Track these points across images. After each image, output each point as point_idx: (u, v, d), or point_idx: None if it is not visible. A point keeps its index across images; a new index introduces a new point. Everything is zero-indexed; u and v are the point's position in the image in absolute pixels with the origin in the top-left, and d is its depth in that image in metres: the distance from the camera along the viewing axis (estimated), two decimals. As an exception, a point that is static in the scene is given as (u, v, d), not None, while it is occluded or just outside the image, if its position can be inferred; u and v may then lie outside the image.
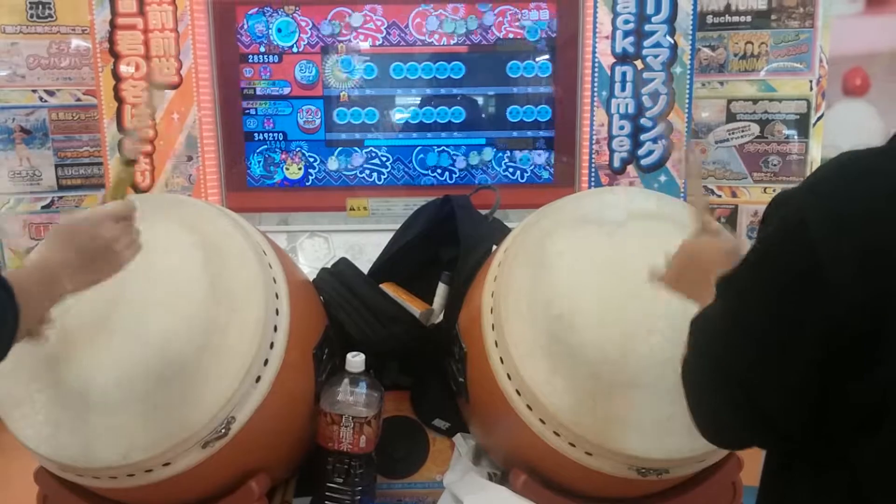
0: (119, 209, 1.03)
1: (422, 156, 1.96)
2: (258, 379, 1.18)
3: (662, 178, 1.86)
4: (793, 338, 0.68)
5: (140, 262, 1.19)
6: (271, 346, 1.21)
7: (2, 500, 2.29)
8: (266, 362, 1.20)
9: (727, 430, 0.80)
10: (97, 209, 1.03)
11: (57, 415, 1.13)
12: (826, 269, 0.64)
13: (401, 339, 1.51)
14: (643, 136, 1.85)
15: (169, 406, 1.11)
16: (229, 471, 1.24)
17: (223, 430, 1.15)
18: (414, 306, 1.52)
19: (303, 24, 1.90)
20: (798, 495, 0.76)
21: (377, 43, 1.91)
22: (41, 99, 2.02)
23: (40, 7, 2.00)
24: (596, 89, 1.84)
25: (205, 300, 1.16)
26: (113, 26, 1.79)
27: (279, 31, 1.90)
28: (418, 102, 1.95)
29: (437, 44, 1.92)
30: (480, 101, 1.95)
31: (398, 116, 1.96)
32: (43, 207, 2.04)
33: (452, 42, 1.91)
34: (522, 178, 1.97)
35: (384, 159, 1.96)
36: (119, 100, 1.81)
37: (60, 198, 2.05)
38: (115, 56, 1.80)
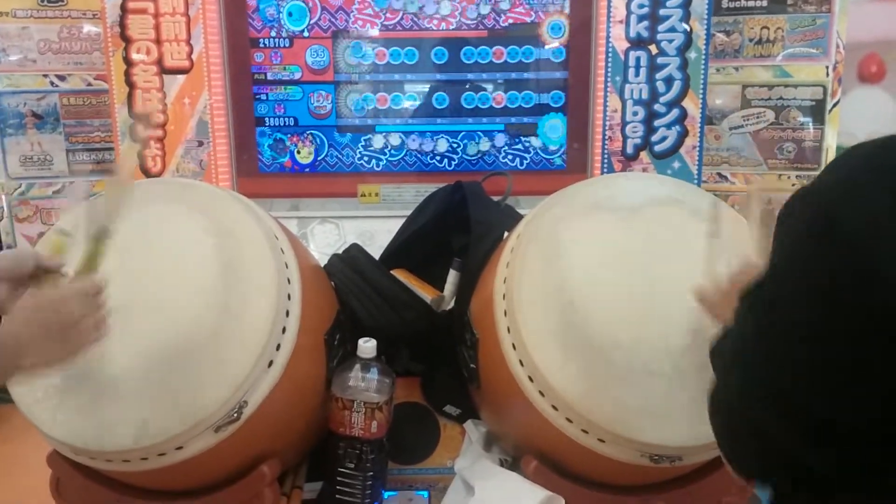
0: (89, 287, 1.00)
1: (433, 141, 1.95)
2: (270, 364, 1.19)
3: (676, 165, 1.84)
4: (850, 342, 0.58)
5: (152, 246, 1.20)
6: (283, 331, 1.21)
7: (15, 483, 2.31)
8: (278, 347, 1.20)
9: (770, 469, 0.70)
10: (67, 286, 1.00)
11: (70, 399, 1.13)
12: (871, 261, 0.57)
13: (412, 325, 1.51)
14: (657, 122, 1.83)
15: (182, 390, 1.11)
16: (241, 455, 1.24)
17: (235, 415, 1.15)
18: (425, 293, 1.52)
19: (314, 7, 1.88)
20: None
21: (389, 27, 1.90)
22: (52, 84, 2.01)
23: (51, -9, 1.99)
24: (609, 74, 1.83)
25: (217, 285, 1.16)
26: (124, 10, 1.78)
27: (290, 14, 1.89)
28: (430, 88, 1.94)
29: (449, 28, 1.90)
30: (491, 86, 1.94)
31: (410, 102, 1.95)
32: (54, 192, 2.04)
33: (465, 27, 1.90)
34: (534, 164, 1.95)
35: (395, 145, 1.95)
36: (130, 84, 1.81)
37: (72, 183, 2.05)
38: (126, 40, 1.79)
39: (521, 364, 1.22)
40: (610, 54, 1.82)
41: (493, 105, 1.94)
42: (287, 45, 1.90)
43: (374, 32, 1.91)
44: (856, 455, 0.60)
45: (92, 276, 1.03)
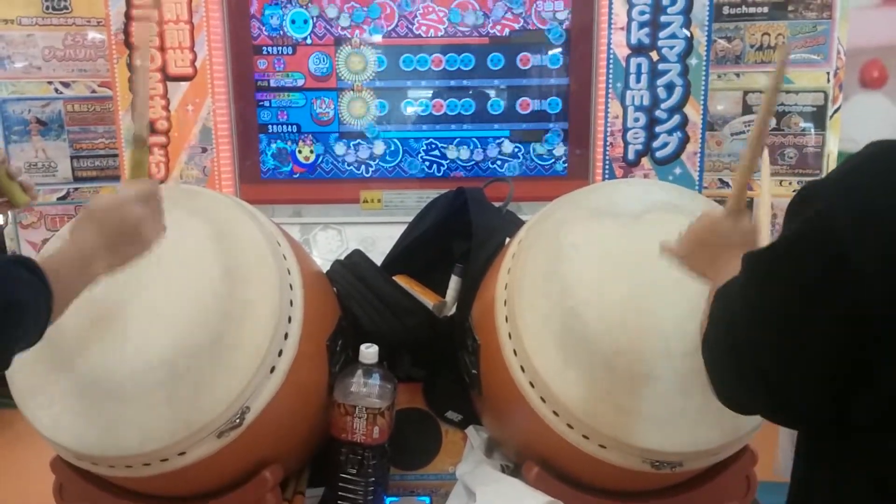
0: (144, 190, 1.03)
1: (435, 148, 1.95)
2: (273, 369, 1.19)
3: (677, 171, 1.85)
4: (817, 326, 0.68)
5: (155, 251, 1.20)
6: (285, 336, 1.22)
7: (19, 488, 2.32)
8: (280, 353, 1.20)
9: (745, 405, 0.81)
10: (123, 192, 1.03)
11: (73, 404, 1.14)
12: (853, 258, 0.64)
13: (414, 331, 1.51)
14: (658, 129, 1.84)
15: (184, 396, 1.12)
16: (243, 461, 1.25)
17: (238, 420, 1.15)
18: (427, 298, 1.53)
19: (316, 15, 1.90)
20: (824, 488, 0.76)
21: (391, 34, 1.91)
22: (57, 91, 2.03)
23: (56, -1, 2.01)
24: (611, 81, 1.83)
25: (220, 291, 1.16)
26: (128, 18, 1.79)
27: (293, 22, 1.90)
28: (431, 94, 1.95)
29: (451, 35, 1.91)
30: (493, 92, 1.95)
31: (411, 108, 1.96)
32: (59, 199, 2.06)
33: (467, 34, 1.91)
34: (536, 170, 1.96)
35: (397, 151, 1.95)
36: (134, 91, 1.82)
37: (76, 189, 2.06)
38: (131, 48, 1.80)
39: (523, 370, 1.22)
40: (611, 61, 1.83)
41: (495, 111, 1.94)
42: (290, 52, 1.91)
43: (377, 39, 1.91)
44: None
45: (143, 179, 1.06)
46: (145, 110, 1.11)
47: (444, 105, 1.94)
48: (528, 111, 1.94)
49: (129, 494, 1.27)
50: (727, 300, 0.81)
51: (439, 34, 1.91)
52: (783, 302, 0.71)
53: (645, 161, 1.86)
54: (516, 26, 1.90)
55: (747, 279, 0.77)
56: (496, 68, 1.92)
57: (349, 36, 1.91)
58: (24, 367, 1.17)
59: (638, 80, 1.83)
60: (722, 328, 0.80)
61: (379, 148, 1.95)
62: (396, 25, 1.90)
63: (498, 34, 1.91)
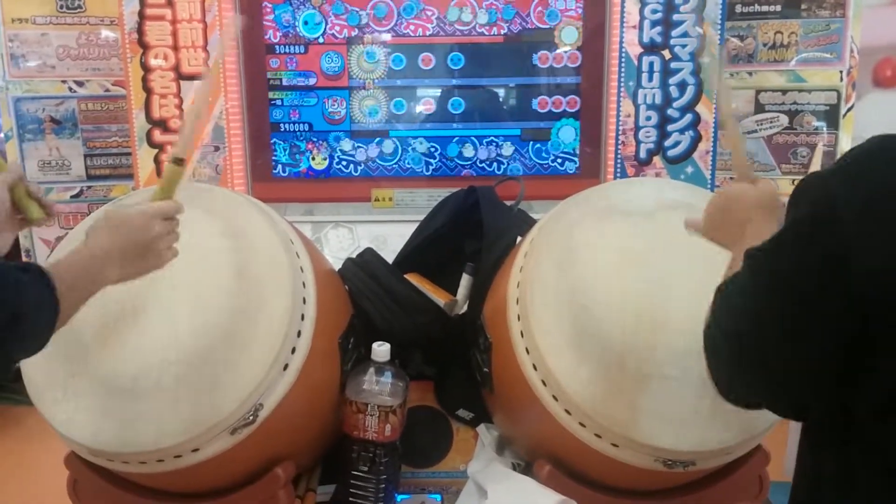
0: (169, 209, 1.05)
1: (447, 146, 1.96)
2: (286, 367, 1.19)
3: (689, 170, 1.84)
4: (818, 316, 0.68)
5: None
6: (298, 334, 1.22)
7: (33, 484, 2.33)
8: (293, 350, 1.21)
9: (746, 398, 0.82)
10: (149, 204, 1.05)
11: (89, 401, 1.14)
12: (854, 248, 0.65)
13: (425, 329, 1.51)
14: (670, 127, 1.83)
15: (198, 393, 1.12)
16: (256, 457, 1.25)
17: (251, 417, 1.16)
18: (438, 297, 1.53)
19: (328, 14, 1.90)
20: (831, 479, 0.76)
21: (403, 33, 1.91)
22: (70, 89, 2.04)
23: (70, -2, 2.02)
24: (623, 79, 1.83)
25: (233, 288, 1.17)
26: (142, 17, 1.81)
27: (305, 22, 1.90)
28: (443, 93, 1.95)
29: (462, 34, 1.91)
30: (505, 91, 1.95)
31: (423, 107, 1.96)
32: (72, 197, 2.07)
33: (478, 32, 1.91)
34: (547, 169, 1.96)
35: (409, 150, 1.96)
36: (147, 90, 1.83)
37: (89, 187, 2.08)
38: (144, 47, 1.81)
39: (535, 368, 1.22)
40: (623, 59, 1.82)
41: (506, 110, 1.94)
42: (302, 51, 1.92)
43: (388, 38, 1.92)
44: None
45: (169, 200, 1.08)
46: (192, 137, 1.11)
47: (456, 104, 1.94)
48: (539, 110, 1.94)
49: (143, 490, 1.28)
50: (728, 294, 0.81)
51: (451, 33, 1.91)
52: (784, 294, 0.71)
53: (657, 160, 1.86)
54: (528, 25, 1.90)
55: (748, 272, 0.77)
56: (508, 67, 1.92)
57: (361, 35, 1.91)
58: (39, 364, 1.18)
59: (650, 79, 1.82)
60: (724, 321, 0.80)
61: (390, 146, 1.96)
62: (408, 24, 1.90)
63: (510, 33, 1.91)
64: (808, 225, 0.70)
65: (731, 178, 2.06)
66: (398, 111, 1.95)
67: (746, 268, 0.77)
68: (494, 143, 1.95)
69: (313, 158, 1.96)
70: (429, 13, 1.90)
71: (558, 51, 1.91)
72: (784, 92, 2.01)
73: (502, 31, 1.91)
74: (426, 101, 1.96)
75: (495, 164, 1.96)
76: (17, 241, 2.12)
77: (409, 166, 1.96)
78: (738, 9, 2.01)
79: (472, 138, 1.95)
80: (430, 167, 1.96)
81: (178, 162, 1.10)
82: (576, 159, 1.95)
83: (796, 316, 0.70)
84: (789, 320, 0.71)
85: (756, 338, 0.74)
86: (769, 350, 0.73)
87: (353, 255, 1.60)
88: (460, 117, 1.95)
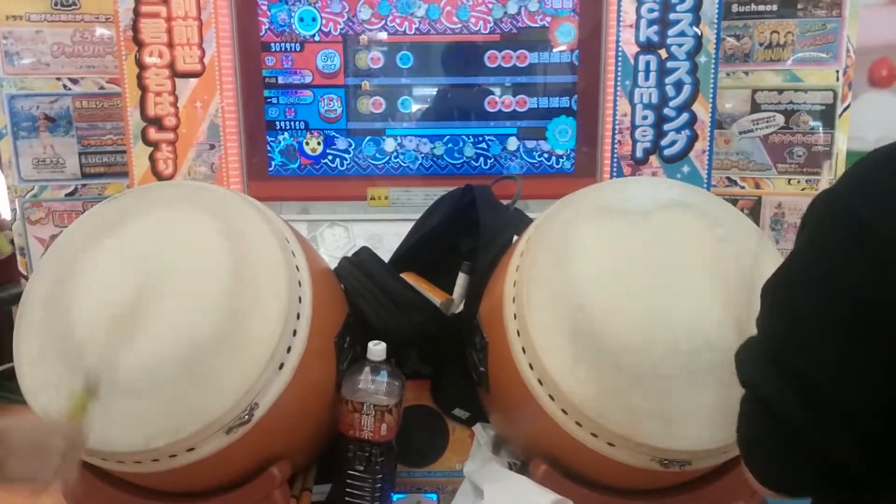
0: (73, 432, 1.00)
1: (443, 145, 1.95)
2: (281, 366, 1.19)
3: (686, 169, 1.84)
4: (860, 334, 0.62)
5: (163, 248, 1.21)
6: (294, 333, 1.22)
7: (26, 483, 2.32)
8: (289, 349, 1.20)
9: (792, 477, 0.71)
10: (64, 423, 1.02)
11: (83, 399, 1.14)
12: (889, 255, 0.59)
13: (421, 328, 1.51)
14: (666, 126, 1.83)
15: (193, 392, 1.12)
16: (252, 457, 1.25)
17: (246, 416, 1.15)
18: (434, 296, 1.52)
19: (324, 12, 1.89)
20: None
21: (399, 31, 1.91)
22: (65, 87, 2.03)
23: (65, -5, 2.01)
24: (619, 78, 1.83)
25: (228, 287, 1.16)
26: (136, 14, 1.79)
27: (301, 20, 1.90)
28: (440, 91, 1.94)
29: (458, 32, 1.91)
30: (501, 90, 1.95)
31: (419, 106, 1.95)
32: (67, 195, 2.06)
33: (474, 30, 1.90)
34: (544, 168, 1.96)
35: (405, 149, 1.95)
36: (142, 88, 1.82)
37: (84, 185, 2.07)
38: (139, 44, 1.80)
39: (531, 368, 1.22)
40: (620, 58, 1.82)
41: (503, 108, 1.94)
42: (298, 49, 1.91)
43: (384, 36, 1.91)
44: (877, 444, 0.62)
45: (82, 424, 1.03)
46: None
47: (452, 102, 1.94)
48: (535, 109, 1.93)
49: (138, 490, 1.27)
50: (751, 360, 0.73)
51: (447, 31, 1.90)
52: (824, 329, 0.64)
53: (653, 159, 1.86)
54: (524, 23, 1.90)
55: (769, 310, 0.70)
56: (504, 65, 1.92)
57: (357, 33, 1.91)
58: (32, 363, 1.17)
59: (647, 78, 1.82)
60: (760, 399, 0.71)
61: (386, 145, 1.95)
62: (404, 22, 1.90)
63: (506, 31, 1.90)
64: (834, 245, 0.64)
65: (728, 177, 2.07)
66: (394, 109, 1.94)
67: (769, 309, 0.71)
68: (491, 142, 1.95)
69: (307, 143, 1.95)
70: (425, 11, 1.89)
71: (555, 49, 1.91)
72: (780, 91, 2.02)
73: (500, 30, 1.90)
74: (422, 99, 1.95)
75: (492, 163, 1.96)
76: (12, 240, 2.12)
77: (405, 165, 1.96)
78: (735, 8, 2.02)
79: (469, 137, 1.95)
80: (427, 166, 1.96)
81: (94, 387, 1.07)
82: (572, 158, 1.95)
83: (840, 338, 0.63)
84: (834, 346, 0.63)
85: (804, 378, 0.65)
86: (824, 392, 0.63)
87: (349, 254, 1.60)
88: (457, 116, 1.94)
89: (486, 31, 1.90)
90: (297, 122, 1.94)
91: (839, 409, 0.63)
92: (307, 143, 1.95)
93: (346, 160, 1.96)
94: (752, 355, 0.73)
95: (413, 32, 1.91)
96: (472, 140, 1.95)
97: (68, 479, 1.01)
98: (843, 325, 0.63)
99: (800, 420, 0.65)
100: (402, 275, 1.55)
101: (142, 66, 1.81)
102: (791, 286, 0.69)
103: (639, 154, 1.85)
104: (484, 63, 1.92)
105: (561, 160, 1.95)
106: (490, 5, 1.88)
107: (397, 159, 1.96)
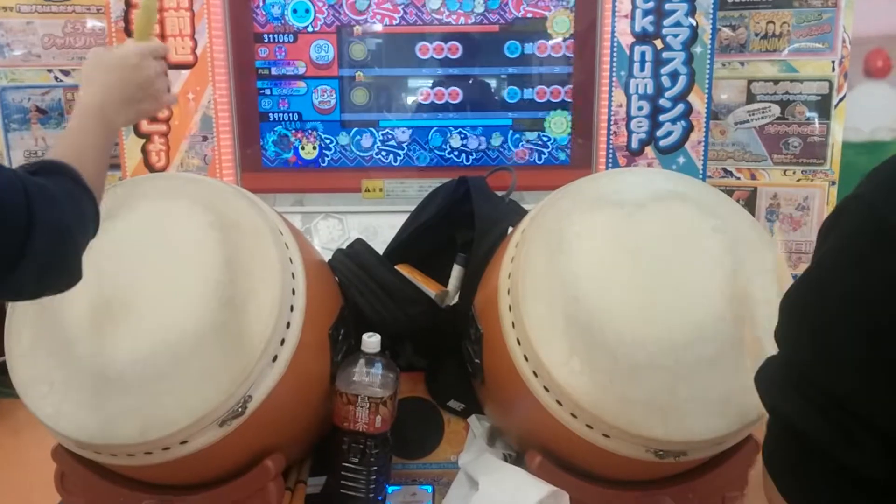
0: (160, 48, 1.05)
1: (437, 137, 1.94)
2: (275, 358, 1.19)
3: (681, 160, 1.84)
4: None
5: (156, 240, 1.20)
6: (288, 325, 1.21)
7: (20, 477, 2.32)
8: (283, 342, 1.20)
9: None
10: (141, 44, 1.04)
11: (75, 393, 1.13)
12: None
13: (416, 320, 1.50)
14: (662, 117, 1.83)
15: (187, 384, 1.11)
16: (246, 449, 1.24)
17: (240, 409, 1.15)
18: (429, 288, 1.52)
19: (317, 2, 1.88)
20: None
21: (393, 23, 1.90)
22: (56, 79, 2.02)
23: (56, -14, 2.00)
24: (614, 69, 1.82)
25: (221, 279, 1.16)
26: (128, 5, 1.78)
27: (294, 10, 1.88)
28: (434, 83, 1.94)
29: (453, 23, 1.90)
30: (496, 81, 1.94)
31: (413, 97, 1.94)
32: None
33: (469, 21, 1.89)
34: (539, 159, 1.95)
35: (399, 140, 1.94)
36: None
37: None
38: (130, 35, 1.79)
39: (526, 359, 1.22)
40: (615, 49, 1.82)
41: (498, 100, 1.93)
42: (291, 40, 1.90)
43: (378, 28, 1.90)
44: None
45: (156, 41, 1.09)
46: None
47: (447, 93, 1.93)
48: (530, 100, 1.93)
49: (131, 483, 1.27)
50: (773, 385, 0.67)
51: (443, 21, 1.89)
52: (850, 330, 0.60)
53: (648, 150, 1.85)
54: (519, 14, 1.89)
55: (791, 322, 0.65)
56: (499, 56, 1.91)
57: (351, 24, 1.89)
58: (24, 356, 1.16)
59: (642, 69, 1.82)
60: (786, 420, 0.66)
61: (380, 136, 1.94)
62: (399, 13, 1.89)
63: (501, 22, 1.89)
64: (866, 250, 0.60)
65: (723, 168, 2.06)
66: (389, 101, 1.93)
67: (788, 321, 0.66)
68: (486, 133, 1.94)
69: (303, 147, 1.94)
70: (420, 2, 1.88)
71: (550, 40, 1.90)
72: (776, 82, 2.01)
73: (495, 21, 1.89)
74: (417, 90, 1.94)
75: (486, 155, 1.95)
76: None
77: (399, 156, 1.95)
78: (731, -2, 2.01)
79: (464, 128, 1.94)
80: (421, 157, 1.95)
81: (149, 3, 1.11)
82: (567, 149, 1.94)
83: (876, 346, 0.58)
84: (866, 355, 0.58)
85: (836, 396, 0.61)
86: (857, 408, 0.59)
87: (344, 246, 1.59)
88: (451, 107, 1.94)
89: (483, 22, 1.89)
90: (290, 114, 1.93)
91: (869, 423, 0.59)
92: (302, 148, 1.94)
93: (340, 152, 1.95)
94: (773, 379, 0.69)
95: (408, 23, 1.90)
96: (467, 131, 1.94)
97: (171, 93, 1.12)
98: (870, 335, 0.59)
99: (827, 438, 0.62)
100: (396, 267, 1.54)
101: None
102: (812, 297, 0.65)
103: (634, 145, 1.85)
104: (480, 54, 1.91)
105: (556, 151, 1.95)
106: (484, -5, 1.88)
107: (392, 151, 1.95)
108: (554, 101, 1.92)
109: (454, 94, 1.93)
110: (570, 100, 1.92)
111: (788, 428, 0.66)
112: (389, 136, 1.94)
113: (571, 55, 1.90)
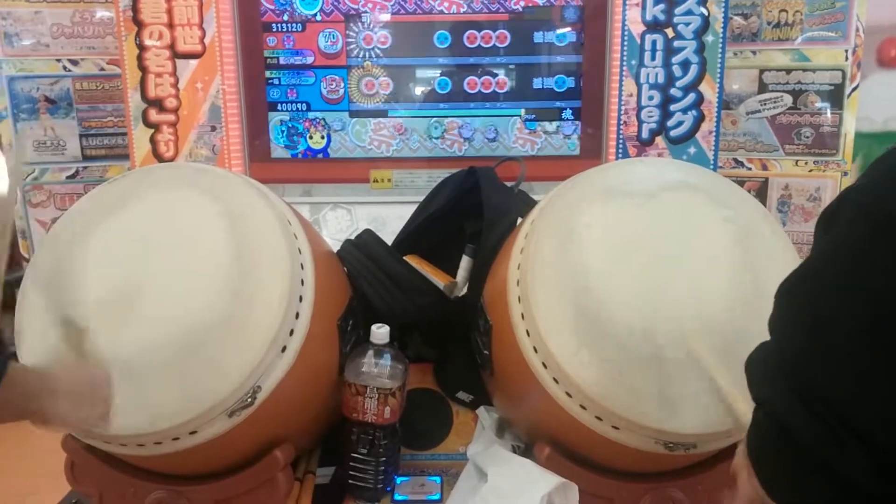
0: (106, 376, 1.09)
1: (446, 127, 1.93)
2: (284, 349, 1.18)
3: (692, 150, 1.82)
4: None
5: (165, 231, 1.20)
6: (297, 316, 1.21)
7: (30, 467, 2.33)
8: (291, 332, 1.20)
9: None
10: (99, 368, 1.09)
11: (85, 383, 1.13)
12: None
13: (425, 311, 1.50)
14: (673, 107, 1.81)
15: (196, 375, 1.11)
16: (255, 440, 1.25)
17: (249, 400, 1.15)
18: (438, 279, 1.52)
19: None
20: None
21: (402, 11, 1.88)
22: (65, 68, 2.01)
23: (64, -25, 1.99)
24: (625, 58, 1.81)
25: (230, 269, 1.15)
26: (136, -6, 1.78)
27: (302, -1, 1.88)
28: (443, 72, 1.93)
29: (462, 12, 1.88)
30: (506, 71, 1.92)
31: (422, 87, 1.93)
32: (68, 177, 2.05)
33: (478, 10, 1.88)
34: (548, 149, 1.94)
35: (408, 130, 1.94)
36: (143, 69, 1.80)
37: (85, 168, 2.06)
38: (139, 25, 1.79)
39: (535, 350, 1.21)
40: (626, 38, 1.80)
41: (507, 90, 1.92)
42: (299, 29, 1.89)
43: (387, 17, 1.89)
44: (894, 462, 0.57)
45: (102, 366, 1.10)
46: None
47: (455, 83, 1.92)
48: (540, 90, 1.91)
49: (141, 472, 1.27)
50: (763, 375, 0.67)
51: (451, 11, 1.88)
52: (851, 332, 0.58)
53: (659, 140, 1.84)
54: (529, 3, 1.87)
55: (785, 312, 0.64)
56: (509, 46, 1.89)
57: (359, 12, 1.88)
58: (35, 347, 1.17)
59: (653, 58, 1.80)
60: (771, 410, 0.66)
61: (389, 127, 1.94)
62: (411, 5, 1.88)
63: (512, 11, 1.88)
64: (867, 241, 0.59)
65: (734, 158, 2.05)
66: (397, 90, 1.93)
67: (784, 313, 0.65)
68: (495, 124, 1.93)
69: (311, 137, 1.94)
70: (428, -9, 1.87)
71: (560, 30, 1.88)
72: (788, 71, 1.99)
73: (505, 10, 1.88)
74: (426, 80, 1.93)
75: (495, 145, 1.94)
76: (13, 224, 2.11)
77: (408, 147, 1.94)
78: (743, -14, 1.99)
79: (473, 118, 1.93)
80: (430, 147, 1.94)
81: (70, 321, 1.13)
82: (577, 140, 1.93)
83: (877, 351, 0.57)
84: (866, 359, 0.57)
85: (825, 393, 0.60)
86: (847, 406, 0.58)
87: (352, 237, 1.59)
88: (460, 97, 1.93)
89: (492, 11, 1.88)
90: (299, 104, 1.92)
91: (854, 424, 0.58)
92: (311, 137, 1.93)
93: (349, 142, 1.94)
94: (763, 369, 0.68)
95: (417, 12, 1.88)
96: (476, 121, 1.93)
97: (106, 418, 1.10)
98: (864, 329, 0.57)
99: (811, 436, 0.61)
100: (405, 257, 1.54)
101: (142, 47, 1.80)
102: (810, 286, 0.64)
103: (645, 135, 1.84)
104: (489, 43, 1.89)
105: (565, 141, 1.93)
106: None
107: (400, 141, 1.94)
108: (563, 90, 1.91)
109: (463, 84, 1.92)
110: (579, 89, 1.90)
111: (774, 421, 0.65)
112: (398, 126, 1.93)
113: (581, 44, 1.89)
